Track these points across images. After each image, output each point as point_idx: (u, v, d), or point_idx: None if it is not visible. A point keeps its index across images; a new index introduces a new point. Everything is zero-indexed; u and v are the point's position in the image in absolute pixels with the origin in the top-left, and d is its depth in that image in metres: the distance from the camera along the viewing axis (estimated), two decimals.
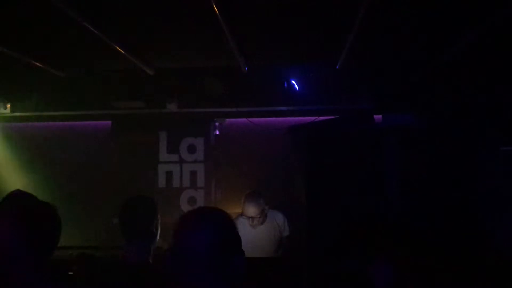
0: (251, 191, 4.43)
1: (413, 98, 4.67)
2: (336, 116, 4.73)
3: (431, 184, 3.64)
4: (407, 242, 2.79)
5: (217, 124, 5.37)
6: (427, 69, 4.64)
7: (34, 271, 1.54)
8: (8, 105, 5.06)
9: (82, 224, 5.12)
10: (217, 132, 5.38)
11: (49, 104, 5.15)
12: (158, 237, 2.52)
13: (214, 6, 3.01)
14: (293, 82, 4.87)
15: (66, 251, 3.96)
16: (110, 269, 2.40)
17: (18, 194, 1.66)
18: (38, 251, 1.55)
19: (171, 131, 5.37)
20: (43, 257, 1.58)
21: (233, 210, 4.32)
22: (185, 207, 5.32)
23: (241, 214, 4.31)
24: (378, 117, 4.56)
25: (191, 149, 5.39)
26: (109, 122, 5.40)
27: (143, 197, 2.61)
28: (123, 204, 2.53)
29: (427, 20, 3.55)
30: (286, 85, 4.88)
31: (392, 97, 4.74)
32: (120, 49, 3.92)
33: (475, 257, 3.04)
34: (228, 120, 5.38)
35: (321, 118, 4.82)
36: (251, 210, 4.29)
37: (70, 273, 3.17)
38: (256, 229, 4.34)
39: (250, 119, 5.30)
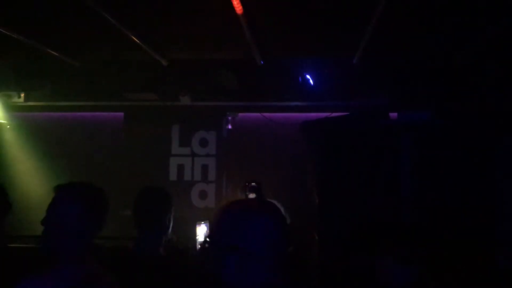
0: (249, 185, 4.41)
1: (429, 95, 4.59)
2: (351, 113, 4.67)
3: (447, 183, 3.57)
4: (422, 242, 2.73)
5: (229, 118, 5.34)
6: (444, 65, 4.56)
7: (83, 250, 1.72)
8: (22, 95, 5.07)
9: None
10: (230, 126, 5.34)
11: (63, 94, 5.15)
12: (170, 229, 2.51)
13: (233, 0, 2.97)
14: (308, 77, 4.81)
15: None
16: (122, 260, 2.39)
17: (77, 182, 1.86)
18: (89, 230, 1.75)
19: (183, 124, 5.36)
20: (91, 239, 1.77)
21: None
22: (196, 201, 5.31)
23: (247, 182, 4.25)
24: (393, 115, 4.50)
25: (203, 142, 5.38)
26: (121, 114, 5.39)
27: (159, 189, 2.59)
28: (138, 195, 2.51)
29: (445, 17, 3.48)
30: (300, 80, 4.83)
31: (408, 94, 4.66)
32: (135, 39, 3.90)
33: (491, 257, 2.98)
34: (240, 115, 5.35)
35: (335, 114, 4.76)
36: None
37: None
38: None
39: (263, 113, 5.25)
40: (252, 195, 4.29)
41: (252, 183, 3.98)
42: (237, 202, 1.44)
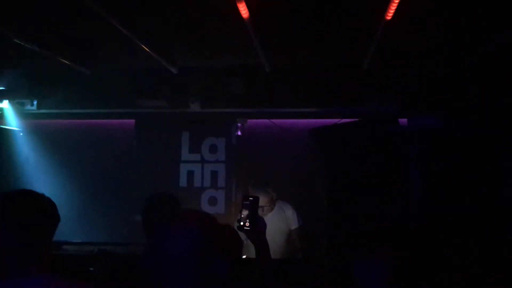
0: (257, 180, 4.39)
1: (439, 101, 4.56)
2: (360, 119, 4.67)
3: (457, 190, 3.55)
4: (430, 248, 2.72)
5: (239, 124, 5.35)
6: (454, 71, 4.54)
7: (27, 263, 1.60)
8: (35, 102, 5.15)
9: (104, 221, 5.18)
10: (239, 133, 5.36)
11: (75, 102, 5.21)
12: None
13: (239, 6, 3.00)
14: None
15: (88, 246, 4.01)
16: (131, 266, 2.40)
17: (15, 192, 1.74)
18: (31, 244, 1.62)
19: (193, 130, 5.39)
20: (37, 249, 1.64)
21: None
22: (206, 207, 5.32)
23: (243, 199, 4.14)
24: (403, 121, 4.49)
25: (213, 149, 5.40)
26: (133, 121, 5.44)
27: (167, 195, 2.61)
28: (147, 201, 2.53)
29: (455, 21, 3.47)
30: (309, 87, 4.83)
31: (418, 100, 4.64)
32: (145, 47, 3.94)
33: (502, 263, 2.95)
34: (250, 121, 5.36)
35: (345, 120, 4.76)
36: (260, 199, 4.26)
37: (91, 269, 3.19)
38: (265, 218, 4.31)
39: (272, 120, 5.27)
40: (245, 212, 4.20)
41: (249, 198, 3.83)
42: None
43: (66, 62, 4.55)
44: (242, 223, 2.03)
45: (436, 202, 3.66)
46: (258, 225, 2.01)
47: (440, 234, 3.20)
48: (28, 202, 1.68)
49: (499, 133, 3.63)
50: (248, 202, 2.14)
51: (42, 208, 1.70)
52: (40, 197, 1.73)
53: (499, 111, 4.19)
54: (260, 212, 4.23)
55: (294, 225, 4.44)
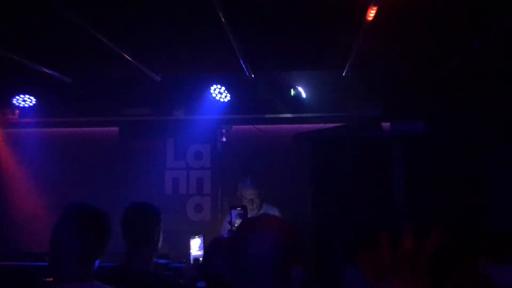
0: (245, 176, 4.43)
1: (421, 106, 4.61)
2: (343, 124, 4.70)
3: (439, 194, 3.59)
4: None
5: (223, 131, 5.35)
6: (436, 76, 4.59)
7: (83, 269, 1.82)
8: (17, 111, 5.10)
9: None
10: (224, 139, 5.36)
11: (56, 110, 5.17)
12: (160, 244, 2.51)
13: (220, 14, 3.01)
14: (300, 89, 4.84)
15: None
16: (114, 277, 2.39)
17: (78, 205, 1.98)
18: (91, 253, 1.85)
19: (178, 137, 5.37)
20: (93, 259, 1.87)
21: None
22: (192, 214, 5.31)
23: (232, 208, 4.11)
24: (386, 125, 4.53)
25: (198, 155, 5.39)
26: (116, 129, 5.41)
27: (144, 204, 2.59)
28: (125, 212, 2.52)
29: (437, 26, 3.51)
30: (292, 92, 4.86)
31: (400, 104, 4.69)
32: (127, 56, 3.93)
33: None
34: (234, 127, 5.37)
35: (328, 125, 4.79)
36: (250, 192, 4.32)
37: None
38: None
39: (256, 126, 5.28)
40: (238, 221, 4.22)
41: (237, 209, 3.82)
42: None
43: (47, 71, 4.51)
44: None
45: (419, 206, 3.69)
46: None
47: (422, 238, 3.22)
48: (95, 217, 1.92)
49: (482, 137, 3.68)
50: (241, 211, 2.19)
51: (105, 224, 1.93)
52: (104, 214, 1.96)
53: (481, 116, 4.25)
54: (249, 205, 4.26)
55: None
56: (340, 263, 3.41)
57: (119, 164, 5.35)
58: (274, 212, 4.50)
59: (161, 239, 2.51)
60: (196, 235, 3.74)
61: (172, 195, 5.35)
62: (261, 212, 4.48)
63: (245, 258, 1.35)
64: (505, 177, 3.55)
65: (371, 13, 3.11)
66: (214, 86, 4.86)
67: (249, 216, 4.38)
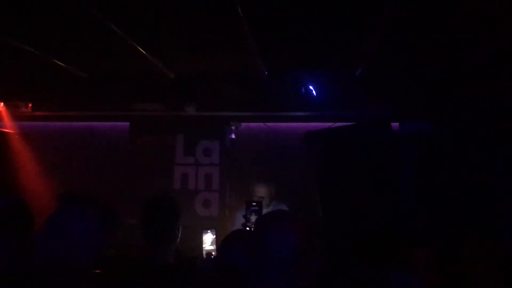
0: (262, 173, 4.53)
1: (431, 106, 4.65)
2: (353, 123, 4.74)
3: (448, 194, 3.63)
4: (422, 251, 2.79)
5: (233, 128, 5.40)
6: (446, 76, 4.62)
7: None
8: (30, 105, 5.15)
9: None
10: (233, 136, 5.41)
11: (70, 104, 5.22)
12: (179, 238, 2.56)
13: (239, 10, 3.04)
14: (311, 87, 4.88)
15: None
16: (134, 270, 2.43)
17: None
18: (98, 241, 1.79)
19: (187, 133, 5.42)
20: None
21: None
22: (200, 210, 5.36)
23: (247, 203, 4.11)
24: (395, 125, 4.57)
25: (207, 152, 5.43)
26: (127, 123, 5.46)
27: (166, 198, 2.62)
28: (146, 205, 2.55)
29: (449, 27, 3.55)
30: (303, 90, 4.90)
31: (410, 105, 4.72)
32: (143, 51, 3.97)
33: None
34: (244, 124, 5.41)
35: (338, 124, 4.82)
36: (261, 190, 4.37)
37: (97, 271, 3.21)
38: None
39: (266, 123, 5.32)
40: (253, 217, 4.28)
41: (253, 204, 3.88)
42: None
43: (63, 64, 4.56)
44: (249, 228, 2.11)
45: (427, 206, 3.74)
46: None
47: (432, 238, 3.27)
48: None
49: (491, 137, 3.72)
50: (256, 208, 2.21)
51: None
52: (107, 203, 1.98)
53: (490, 116, 4.29)
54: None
55: None
56: (348, 260, 3.46)
57: (129, 158, 5.40)
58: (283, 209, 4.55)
59: (180, 233, 2.55)
60: (209, 230, 3.79)
61: (181, 190, 5.39)
62: (269, 209, 4.52)
63: (267, 251, 1.40)
64: None
65: (384, 16, 3.16)
66: None
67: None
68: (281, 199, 4.66)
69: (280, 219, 1.52)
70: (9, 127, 5.33)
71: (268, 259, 1.41)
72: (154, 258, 2.41)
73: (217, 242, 3.97)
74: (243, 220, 3.54)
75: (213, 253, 3.73)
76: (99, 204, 1.90)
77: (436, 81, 4.70)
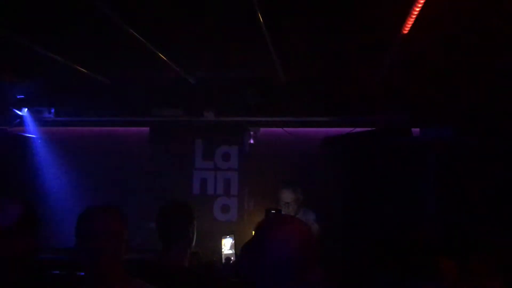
0: (288, 179, 4.49)
1: (452, 112, 4.59)
2: (373, 129, 4.70)
3: (470, 201, 3.58)
4: (443, 259, 2.75)
5: (251, 133, 5.41)
6: (467, 82, 4.56)
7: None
8: (52, 110, 5.25)
9: None
10: (252, 141, 5.42)
11: (91, 110, 5.30)
12: (194, 241, 2.58)
13: (260, 16, 3.05)
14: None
15: None
16: (148, 273, 2.45)
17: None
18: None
19: (206, 138, 5.45)
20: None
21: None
22: (218, 215, 5.37)
23: (267, 211, 4.04)
24: (415, 131, 4.52)
25: (226, 157, 5.45)
26: (147, 129, 5.52)
27: (179, 203, 2.67)
28: (160, 210, 2.60)
29: (470, 33, 3.51)
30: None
31: (431, 110, 4.67)
32: (164, 58, 4.01)
33: None
34: (262, 129, 5.41)
35: (358, 130, 4.79)
36: (287, 195, 4.39)
37: None
38: None
39: (285, 128, 5.31)
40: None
41: (272, 211, 3.93)
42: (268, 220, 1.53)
43: (85, 71, 4.64)
44: None
45: (449, 212, 3.69)
46: None
47: (453, 244, 3.22)
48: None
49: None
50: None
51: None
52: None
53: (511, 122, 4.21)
54: (285, 209, 4.33)
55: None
56: (368, 267, 3.43)
57: (149, 163, 5.45)
58: (311, 216, 4.53)
59: (195, 236, 2.58)
60: (228, 235, 3.81)
61: (200, 195, 5.42)
62: (297, 216, 4.53)
63: (264, 259, 1.37)
64: None
65: (407, 26, 3.14)
66: None
67: None
68: (310, 206, 4.64)
69: (278, 226, 1.45)
70: (33, 132, 5.42)
71: (266, 267, 1.37)
72: (168, 260, 2.43)
73: (236, 247, 3.99)
74: None
75: (232, 258, 3.75)
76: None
77: (457, 87, 4.64)
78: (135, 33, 3.46)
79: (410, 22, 3.05)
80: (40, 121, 5.39)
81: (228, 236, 3.80)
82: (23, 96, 5.22)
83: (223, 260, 3.67)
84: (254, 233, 1.50)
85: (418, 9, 2.85)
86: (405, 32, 3.22)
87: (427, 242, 2.77)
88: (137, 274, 2.45)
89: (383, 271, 3.09)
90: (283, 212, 4.52)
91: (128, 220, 5.54)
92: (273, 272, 1.36)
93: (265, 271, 1.38)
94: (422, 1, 2.78)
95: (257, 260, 1.40)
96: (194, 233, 2.57)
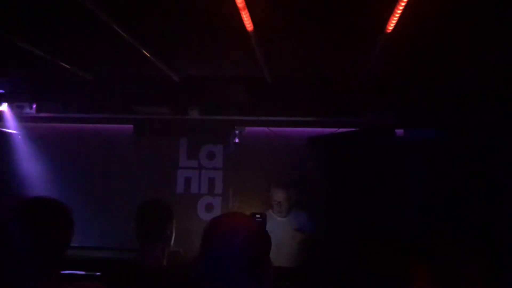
0: (279, 178, 4.59)
1: (436, 113, 4.62)
2: (358, 129, 4.72)
3: (453, 202, 3.60)
4: (425, 261, 2.75)
5: (237, 132, 5.39)
6: (452, 83, 4.60)
7: (42, 271, 1.62)
8: (34, 106, 5.16)
9: (100, 226, 5.18)
10: (237, 140, 5.40)
11: (74, 106, 5.23)
12: (172, 241, 2.55)
13: (243, 16, 3.04)
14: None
15: (83, 251, 4.02)
16: (125, 272, 2.42)
17: (32, 199, 1.75)
18: (47, 253, 1.64)
19: (191, 137, 5.42)
20: (52, 258, 1.66)
21: None
22: (202, 214, 5.34)
23: (252, 215, 4.15)
24: (399, 131, 4.54)
25: (211, 156, 5.43)
26: (131, 126, 5.46)
27: (158, 201, 2.64)
28: (138, 208, 2.57)
29: (454, 34, 3.53)
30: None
31: (415, 111, 4.70)
32: (148, 54, 3.97)
33: (500, 275, 2.99)
34: (248, 129, 5.40)
35: (342, 130, 4.80)
36: (279, 194, 4.43)
37: (98, 273, 3.20)
38: (278, 223, 4.42)
39: (270, 128, 5.30)
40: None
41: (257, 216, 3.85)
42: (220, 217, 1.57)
43: (68, 66, 4.56)
44: None
45: (432, 213, 3.71)
46: None
47: (437, 244, 3.24)
48: (46, 209, 1.70)
49: (497, 145, 3.69)
50: (260, 219, 2.19)
51: (61, 216, 1.73)
52: (59, 204, 1.76)
53: (496, 123, 4.25)
54: (277, 208, 4.33)
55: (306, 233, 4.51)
56: (350, 266, 3.44)
57: (132, 161, 5.40)
58: (302, 217, 4.54)
59: (173, 235, 2.55)
60: None
61: (184, 194, 5.39)
62: (289, 216, 4.53)
63: (213, 258, 1.36)
64: None
65: (391, 26, 3.15)
66: None
67: (278, 219, 4.46)
68: (300, 208, 4.63)
69: (226, 224, 1.44)
70: (13, 128, 5.33)
71: (215, 266, 1.36)
72: (146, 260, 2.40)
73: None
74: None
75: None
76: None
77: (442, 88, 4.67)
78: (118, 29, 3.41)
79: (393, 21, 3.04)
80: (21, 117, 5.29)
81: None
82: (2, 91, 5.11)
83: None
84: (203, 234, 1.46)
85: (401, 8, 2.85)
86: (389, 31, 3.22)
87: (396, 244, 2.78)
88: (113, 274, 2.41)
89: (364, 274, 3.09)
90: (274, 212, 4.51)
91: (112, 219, 5.47)
92: (222, 271, 1.34)
93: (215, 264, 1.36)
94: (405, 0, 2.79)
95: (206, 260, 1.37)
96: (173, 232, 2.54)
